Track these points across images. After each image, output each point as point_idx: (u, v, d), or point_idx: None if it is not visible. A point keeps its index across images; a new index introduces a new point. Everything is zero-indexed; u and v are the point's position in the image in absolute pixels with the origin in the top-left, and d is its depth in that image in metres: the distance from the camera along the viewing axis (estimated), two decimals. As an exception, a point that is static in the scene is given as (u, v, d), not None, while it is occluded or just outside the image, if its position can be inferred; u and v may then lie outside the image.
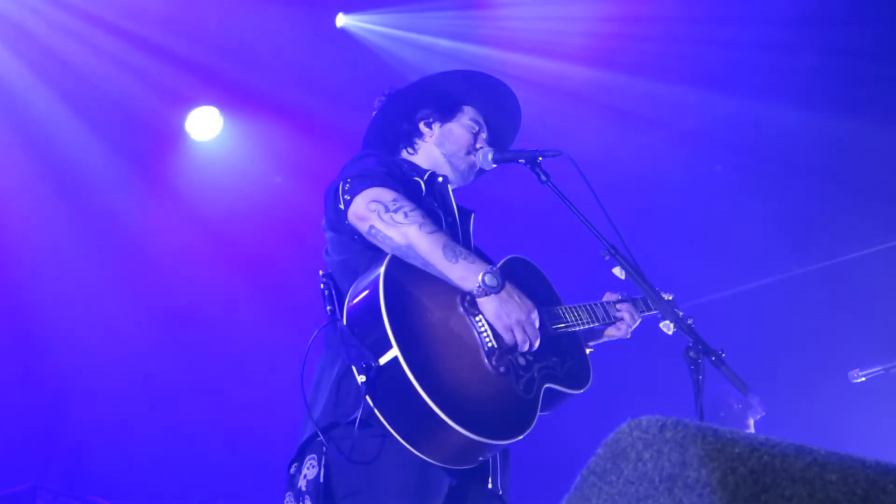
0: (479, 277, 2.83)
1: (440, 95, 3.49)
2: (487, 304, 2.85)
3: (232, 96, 6.68)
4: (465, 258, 2.86)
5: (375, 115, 3.48)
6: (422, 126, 3.47)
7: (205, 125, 6.75)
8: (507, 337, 2.85)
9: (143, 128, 6.59)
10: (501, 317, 2.84)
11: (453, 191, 3.35)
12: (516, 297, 2.88)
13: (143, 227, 6.97)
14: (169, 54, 6.24)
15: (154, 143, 6.75)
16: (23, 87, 6.16)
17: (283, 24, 6.34)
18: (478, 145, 3.44)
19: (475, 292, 2.85)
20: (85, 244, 6.83)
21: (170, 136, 6.80)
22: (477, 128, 3.47)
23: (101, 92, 6.30)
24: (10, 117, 6.24)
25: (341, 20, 6.56)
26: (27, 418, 6.79)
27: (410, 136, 3.47)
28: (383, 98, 3.49)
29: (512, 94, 3.59)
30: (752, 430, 6.18)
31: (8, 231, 6.56)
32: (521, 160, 3.27)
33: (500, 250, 3.22)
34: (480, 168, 3.46)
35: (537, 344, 2.90)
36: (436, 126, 3.47)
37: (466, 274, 2.84)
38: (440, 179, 3.31)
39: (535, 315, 2.90)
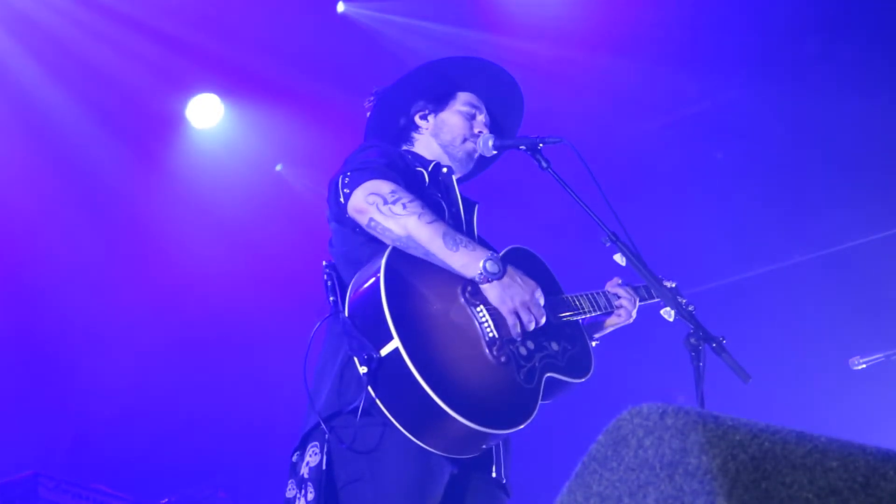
0: (481, 264, 2.83)
1: (432, 85, 3.46)
2: (490, 290, 2.86)
3: (233, 83, 6.67)
4: (465, 246, 2.86)
5: (370, 115, 3.47)
6: (417, 119, 3.46)
7: (205, 112, 6.75)
8: (511, 320, 2.85)
9: (143, 115, 6.59)
10: (505, 301, 2.84)
11: (459, 182, 3.34)
12: (518, 280, 2.88)
13: (144, 216, 6.98)
14: (170, 41, 6.24)
15: (155, 130, 6.75)
16: (24, 75, 6.15)
17: (285, 11, 6.33)
18: (476, 129, 3.41)
19: (477, 279, 2.85)
20: (86, 232, 6.83)
21: (170, 124, 6.80)
22: (473, 111, 3.44)
23: (102, 79, 6.29)
24: (11, 104, 6.24)
25: (342, 6, 6.55)
26: (29, 406, 6.80)
27: (408, 131, 3.46)
28: (372, 98, 3.47)
29: (507, 75, 3.56)
30: None
31: (10, 219, 6.56)
32: (522, 147, 3.25)
33: (505, 240, 3.21)
34: (482, 156, 3.45)
35: (543, 321, 2.91)
36: (430, 117, 3.45)
37: (468, 261, 2.84)
38: (444, 170, 3.30)
39: (538, 293, 2.91)
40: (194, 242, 6.99)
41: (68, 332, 6.94)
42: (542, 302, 2.91)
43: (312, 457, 2.82)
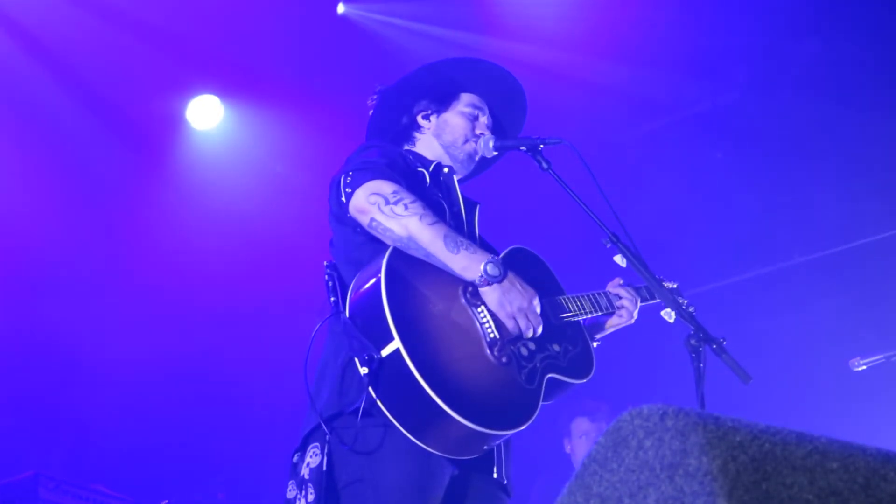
0: (481, 267, 2.82)
1: (436, 85, 3.46)
2: (490, 293, 2.85)
3: (233, 84, 6.67)
4: (466, 248, 2.85)
5: (372, 113, 3.47)
6: (419, 119, 3.46)
7: (205, 114, 6.76)
8: (509, 325, 2.85)
9: (143, 116, 6.59)
10: (504, 305, 2.84)
11: (460, 182, 3.34)
12: (518, 285, 2.88)
13: (144, 217, 6.97)
14: (170, 42, 6.24)
15: (155, 131, 6.75)
16: (23, 76, 6.15)
17: (284, 12, 6.33)
18: (477, 131, 3.41)
19: (477, 282, 2.85)
20: (86, 234, 6.83)
21: (170, 125, 6.80)
22: (476, 112, 3.44)
23: (102, 80, 6.30)
24: (10, 106, 6.24)
25: (342, 7, 6.55)
26: (29, 407, 6.80)
27: (410, 130, 3.46)
28: (376, 96, 3.47)
29: (511, 77, 3.56)
30: None
31: (10, 221, 6.56)
32: (523, 147, 3.25)
33: (506, 241, 3.21)
34: (483, 157, 3.45)
35: (540, 330, 2.90)
36: (433, 117, 3.44)
37: (468, 264, 2.84)
38: (446, 170, 3.30)
39: (536, 301, 2.91)
40: (194, 243, 6.99)
41: (68, 332, 6.93)
42: (538, 310, 2.91)
43: (313, 458, 2.83)
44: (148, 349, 7.04)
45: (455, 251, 2.83)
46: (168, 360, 7.07)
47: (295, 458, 2.93)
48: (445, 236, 2.85)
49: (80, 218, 6.81)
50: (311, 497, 2.76)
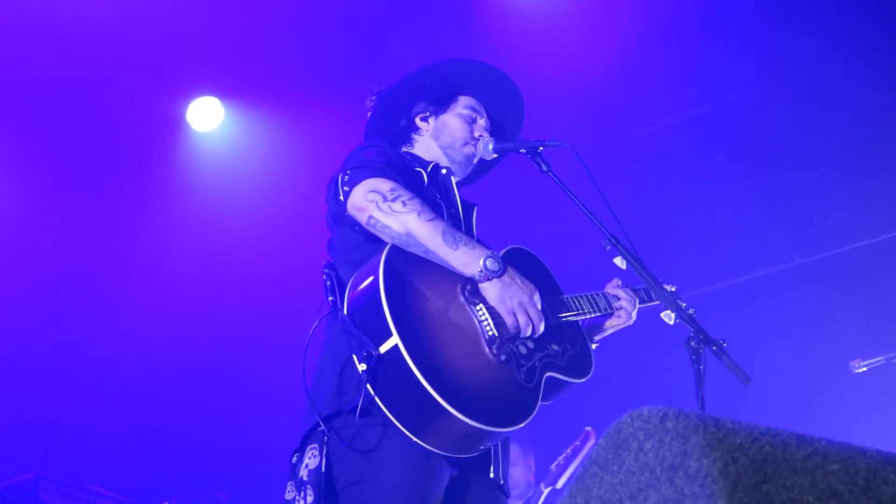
0: (481, 262, 2.82)
1: (434, 87, 3.47)
2: (490, 288, 2.85)
3: (233, 86, 6.68)
4: (465, 244, 2.86)
5: (371, 115, 3.48)
6: (418, 121, 3.47)
7: (206, 115, 6.76)
8: (509, 321, 2.85)
9: (144, 118, 6.59)
10: (504, 300, 2.84)
11: (459, 186, 3.35)
12: (518, 281, 2.88)
13: (144, 218, 6.98)
14: (170, 43, 6.24)
15: (155, 133, 6.75)
16: (22, 77, 6.16)
17: (284, 13, 6.33)
18: (476, 133, 3.42)
19: (477, 277, 2.84)
20: (86, 235, 6.83)
21: (171, 127, 6.81)
22: (474, 115, 3.45)
23: (102, 82, 6.30)
24: (9, 109, 6.24)
25: (342, 8, 6.54)
26: (29, 409, 6.80)
27: (408, 132, 3.47)
28: (374, 98, 3.48)
29: (509, 80, 3.57)
30: None
31: (11, 223, 6.56)
32: (522, 150, 3.26)
33: (505, 243, 3.21)
34: (482, 160, 3.45)
35: (541, 327, 2.90)
36: (431, 119, 3.46)
37: (468, 259, 2.84)
38: (443, 171, 3.30)
39: (537, 297, 2.90)
40: (194, 245, 6.99)
41: (69, 334, 6.94)
42: (539, 306, 2.91)
43: (311, 459, 2.82)
44: (148, 350, 7.05)
45: (454, 247, 2.84)
46: (168, 360, 7.08)
47: (294, 459, 2.92)
48: (444, 232, 2.85)
49: (81, 219, 6.82)
50: (309, 499, 2.76)
